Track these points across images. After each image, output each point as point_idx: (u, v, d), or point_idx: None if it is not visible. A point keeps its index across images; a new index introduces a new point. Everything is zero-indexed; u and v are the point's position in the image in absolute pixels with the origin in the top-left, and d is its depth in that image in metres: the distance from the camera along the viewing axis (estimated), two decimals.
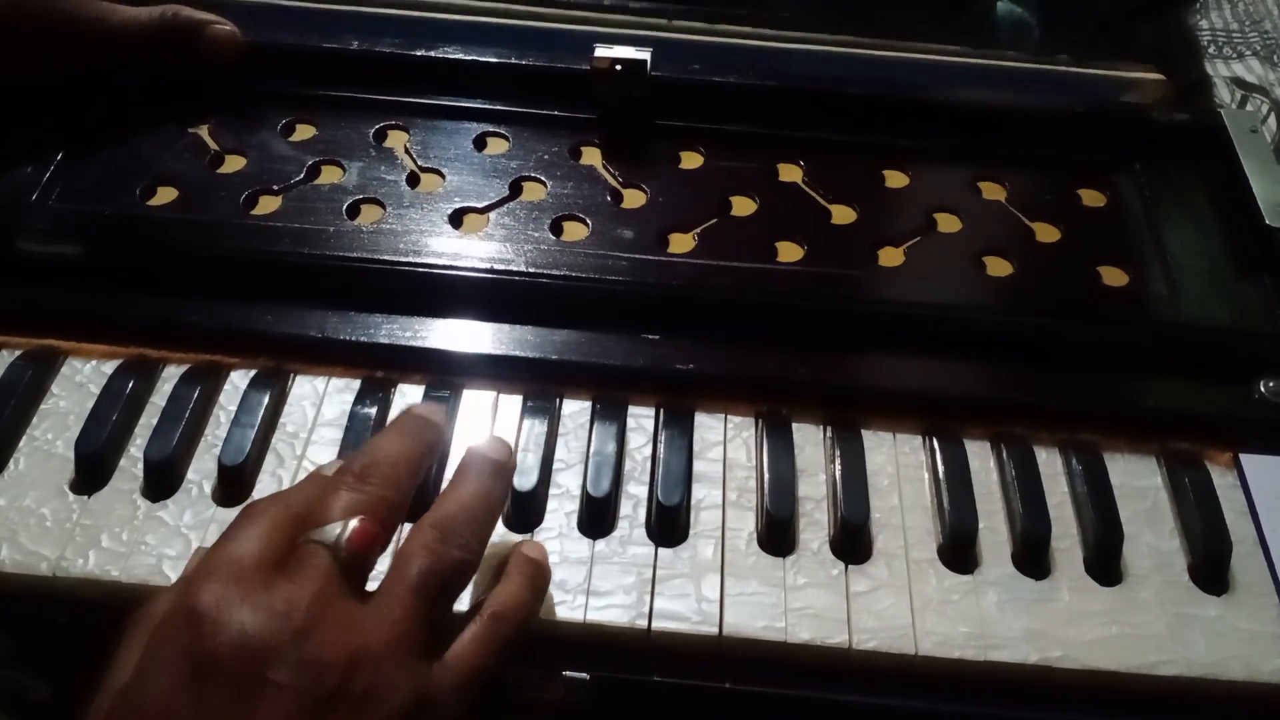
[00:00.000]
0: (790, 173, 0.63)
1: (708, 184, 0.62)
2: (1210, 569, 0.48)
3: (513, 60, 0.66)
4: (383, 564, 0.40)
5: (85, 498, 0.48)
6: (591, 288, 0.56)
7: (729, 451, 0.52)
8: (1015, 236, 0.61)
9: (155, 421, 0.51)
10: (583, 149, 0.64)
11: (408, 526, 0.45)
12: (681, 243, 0.59)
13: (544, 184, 0.61)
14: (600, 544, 0.48)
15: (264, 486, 0.49)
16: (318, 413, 0.52)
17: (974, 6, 0.76)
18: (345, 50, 0.66)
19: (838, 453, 0.51)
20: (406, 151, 0.63)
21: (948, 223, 0.61)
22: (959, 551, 0.48)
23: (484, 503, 0.42)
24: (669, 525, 0.49)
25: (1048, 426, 0.53)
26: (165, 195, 0.59)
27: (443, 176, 0.61)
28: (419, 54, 0.66)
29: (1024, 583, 0.48)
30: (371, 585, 0.40)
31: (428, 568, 0.39)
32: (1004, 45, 0.71)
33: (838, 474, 0.50)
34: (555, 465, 0.51)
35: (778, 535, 0.48)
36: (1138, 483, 0.51)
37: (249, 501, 0.48)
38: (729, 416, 0.53)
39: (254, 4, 0.68)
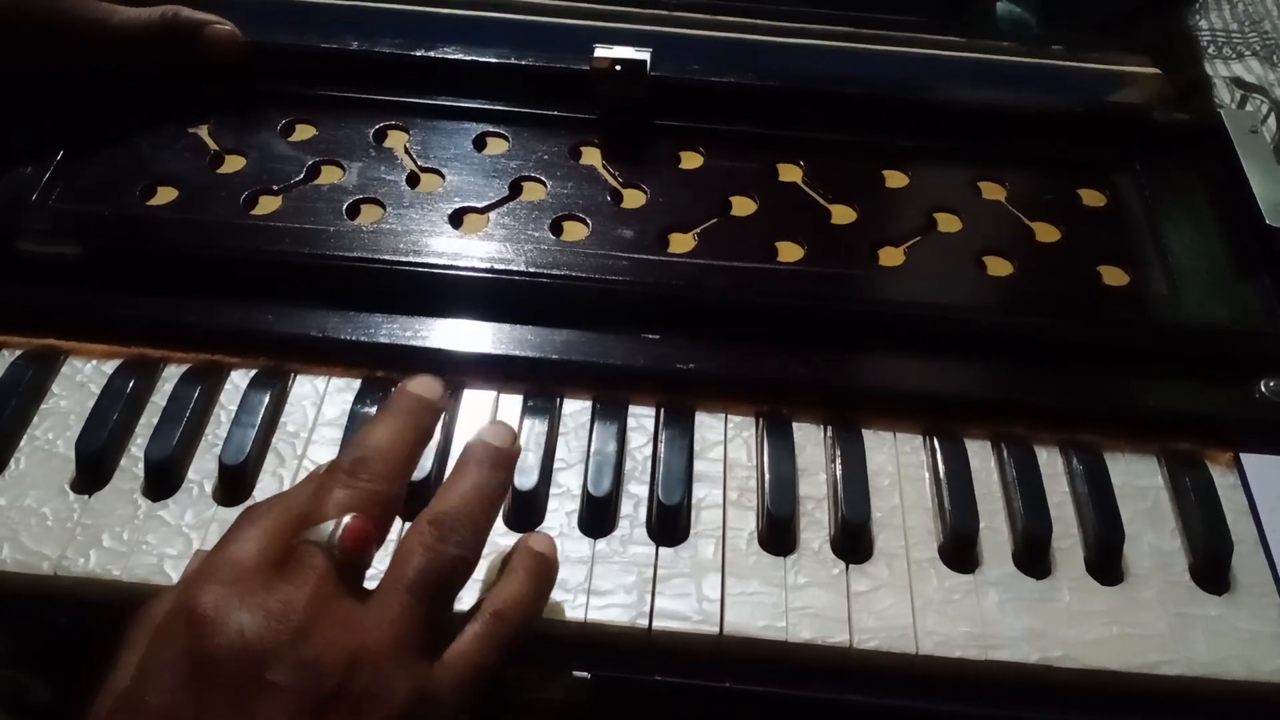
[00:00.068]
0: (790, 173, 0.63)
1: (708, 184, 0.62)
2: (1211, 569, 0.48)
3: (512, 60, 0.66)
4: (384, 562, 0.40)
5: (86, 497, 0.48)
6: (592, 287, 0.56)
7: (730, 451, 0.52)
8: (1015, 236, 0.61)
9: (156, 421, 0.51)
10: (582, 149, 0.64)
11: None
12: (681, 243, 0.59)
13: (544, 184, 0.61)
14: (601, 543, 0.48)
15: (265, 486, 0.49)
16: (318, 412, 0.52)
17: (974, 6, 0.76)
18: (345, 50, 0.66)
19: (838, 452, 0.51)
20: (406, 151, 0.63)
21: (948, 222, 0.61)
22: (960, 551, 0.48)
23: (482, 498, 0.42)
24: (670, 525, 0.49)
25: (1048, 426, 0.53)
26: (165, 195, 0.59)
27: (443, 176, 0.61)
28: (419, 54, 0.66)
29: (1025, 582, 0.48)
30: (371, 584, 0.39)
31: (425, 565, 0.39)
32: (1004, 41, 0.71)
33: (838, 473, 0.50)
34: (556, 465, 0.51)
35: (778, 535, 0.48)
36: (1139, 482, 0.51)
37: (249, 503, 0.48)
38: (729, 416, 0.53)
39: (254, 4, 0.68)
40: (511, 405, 0.53)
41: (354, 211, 0.59)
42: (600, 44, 0.63)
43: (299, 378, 0.53)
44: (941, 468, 0.51)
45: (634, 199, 0.61)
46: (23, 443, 0.50)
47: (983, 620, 0.46)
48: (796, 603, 0.46)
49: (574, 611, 0.46)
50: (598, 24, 0.69)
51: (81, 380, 0.53)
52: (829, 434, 0.52)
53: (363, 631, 0.37)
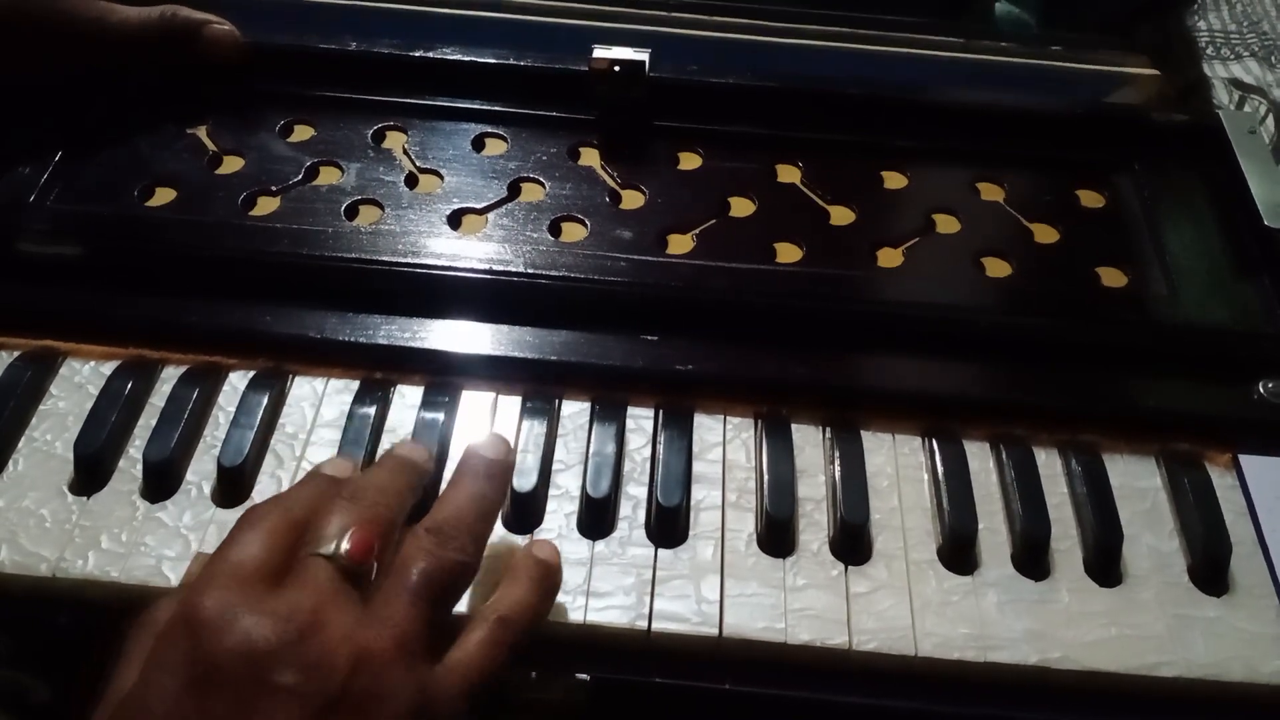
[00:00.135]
0: (789, 173, 0.63)
1: (706, 185, 0.62)
2: (1210, 570, 0.48)
3: (511, 61, 0.66)
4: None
5: (85, 499, 0.48)
6: (590, 288, 0.55)
7: (728, 452, 0.52)
8: (1014, 237, 0.61)
9: (154, 422, 0.51)
10: (581, 150, 0.64)
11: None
12: (680, 243, 0.59)
13: (542, 185, 0.61)
14: (600, 545, 0.48)
15: (263, 487, 0.49)
16: (317, 413, 0.52)
17: (973, 6, 0.76)
18: (344, 51, 0.66)
19: (837, 454, 0.51)
20: (405, 152, 0.63)
21: (946, 223, 0.61)
22: (959, 552, 0.48)
23: (479, 508, 0.43)
24: (668, 526, 0.49)
25: (1047, 427, 0.53)
26: (164, 196, 0.59)
27: (441, 177, 0.61)
28: (417, 54, 0.66)
29: (1024, 584, 0.48)
30: None
31: (426, 570, 0.39)
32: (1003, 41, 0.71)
33: (837, 475, 0.50)
34: (554, 466, 0.51)
35: (777, 536, 0.48)
36: (1137, 483, 0.51)
37: (248, 505, 0.48)
38: (728, 417, 0.53)
39: (253, 4, 0.68)
40: (510, 406, 0.53)
41: (352, 212, 0.59)
42: (599, 44, 0.63)
43: (297, 379, 0.53)
44: (940, 469, 0.51)
45: (633, 200, 0.61)
46: (21, 444, 0.50)
47: (981, 621, 0.46)
48: (795, 604, 0.46)
49: (573, 613, 0.46)
50: (596, 24, 0.69)
51: (80, 381, 0.53)
52: (828, 435, 0.52)
53: (366, 635, 0.37)
